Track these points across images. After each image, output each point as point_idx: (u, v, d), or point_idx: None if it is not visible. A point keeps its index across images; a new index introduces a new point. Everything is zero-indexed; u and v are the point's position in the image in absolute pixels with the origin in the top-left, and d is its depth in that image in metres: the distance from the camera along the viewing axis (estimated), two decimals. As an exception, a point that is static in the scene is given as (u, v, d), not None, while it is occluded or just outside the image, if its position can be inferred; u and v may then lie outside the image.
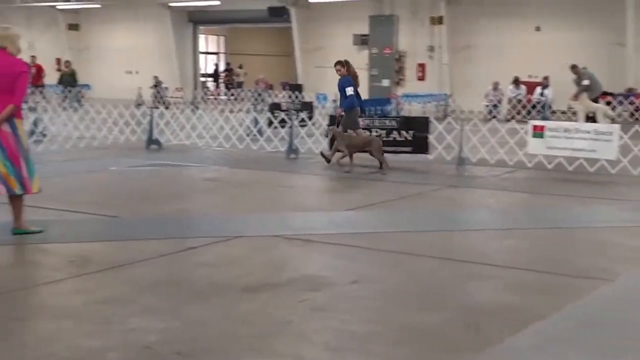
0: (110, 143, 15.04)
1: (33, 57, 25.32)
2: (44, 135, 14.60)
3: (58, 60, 31.79)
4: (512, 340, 4.45)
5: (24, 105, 9.05)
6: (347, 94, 12.17)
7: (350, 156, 12.12)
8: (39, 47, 34.19)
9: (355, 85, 12.45)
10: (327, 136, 12.95)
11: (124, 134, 15.46)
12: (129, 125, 15.64)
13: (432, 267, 6.20)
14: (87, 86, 29.69)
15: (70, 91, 24.24)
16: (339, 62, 12.49)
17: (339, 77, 12.38)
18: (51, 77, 27.37)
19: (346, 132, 12.21)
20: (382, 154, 12.07)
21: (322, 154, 12.70)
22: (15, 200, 6.97)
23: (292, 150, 13.47)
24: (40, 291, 5.31)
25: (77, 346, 4.23)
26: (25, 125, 14.40)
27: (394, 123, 13.09)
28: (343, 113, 12.35)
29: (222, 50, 39.72)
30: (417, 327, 4.67)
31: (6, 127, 6.77)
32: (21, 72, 6.80)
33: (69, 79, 24.99)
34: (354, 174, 11.63)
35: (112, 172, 11.53)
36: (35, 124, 14.89)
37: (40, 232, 7.02)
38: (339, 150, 12.23)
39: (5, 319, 4.70)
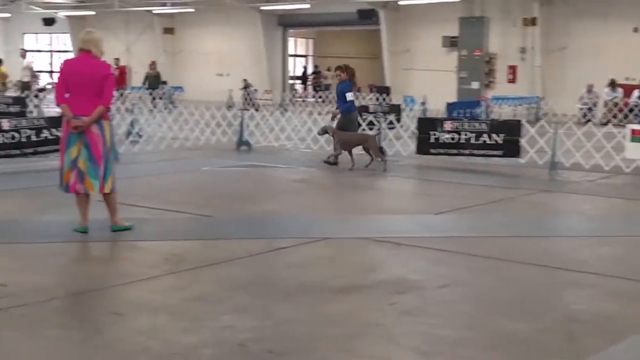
0: (202, 144, 15.40)
1: (117, 59, 26.18)
2: (140, 136, 15.09)
3: (153, 63, 32.70)
4: (610, 351, 4.31)
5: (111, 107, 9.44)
6: (348, 98, 12.59)
7: (350, 153, 12.39)
8: (136, 50, 35.41)
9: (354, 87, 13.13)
10: (320, 134, 13.10)
11: (215, 135, 15.80)
12: (220, 126, 15.98)
13: (525, 273, 6.07)
14: (180, 88, 30.48)
15: (150, 93, 24.81)
16: (339, 67, 13.05)
17: (338, 81, 12.92)
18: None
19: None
20: (379, 150, 12.20)
21: (326, 162, 12.67)
22: (108, 197, 7.22)
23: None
24: (137, 287, 5.48)
25: (172, 341, 4.35)
26: (122, 126, 15.00)
27: (484, 126, 12.88)
28: (339, 115, 12.75)
29: (310, 53, 40.06)
30: (510, 334, 4.59)
31: (95, 128, 7.03)
32: (107, 75, 7.04)
33: (153, 80, 25.61)
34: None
35: (204, 172, 11.80)
36: (132, 124, 15.40)
37: (131, 227, 7.26)
38: (334, 149, 12.51)
39: (105, 313, 4.88)
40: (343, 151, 12.41)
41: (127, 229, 7.24)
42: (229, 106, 23.99)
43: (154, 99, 24.50)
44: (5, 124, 11.46)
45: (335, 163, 12.46)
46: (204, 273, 5.91)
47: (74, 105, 6.96)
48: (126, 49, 35.39)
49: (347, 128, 12.63)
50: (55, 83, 7.24)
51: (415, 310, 5.00)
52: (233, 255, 6.43)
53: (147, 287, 5.48)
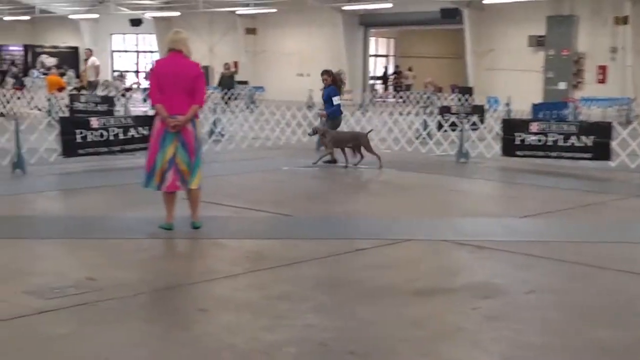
0: (283, 143, 15.55)
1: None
2: (222, 135, 15.36)
3: (235, 64, 33.27)
4: None
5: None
6: (334, 102, 12.92)
7: (343, 151, 12.39)
8: (218, 50, 36.06)
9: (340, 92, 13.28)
10: (310, 134, 13.10)
11: (296, 134, 15.93)
12: (300, 126, 16.10)
13: (618, 281, 5.87)
14: (261, 88, 30.88)
15: (226, 94, 25.09)
16: (325, 72, 13.24)
17: (325, 85, 13.12)
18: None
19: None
20: (371, 148, 12.35)
21: (327, 162, 12.62)
22: (194, 194, 7.35)
23: (462, 154, 13.27)
24: (220, 284, 5.58)
25: (256, 338, 4.41)
26: (205, 125, 15.26)
27: (573, 128, 12.52)
28: (325, 118, 12.95)
29: (391, 52, 39.91)
30: (601, 343, 4.44)
31: (189, 126, 7.21)
32: (199, 74, 7.22)
33: (227, 81, 25.86)
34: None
35: (284, 172, 11.91)
36: (214, 124, 15.70)
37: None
38: (326, 148, 12.52)
39: (189, 309, 4.99)
40: (335, 149, 12.52)
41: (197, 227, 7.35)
42: (309, 106, 24.14)
43: (229, 99, 24.73)
44: (95, 122, 11.86)
45: (334, 161, 12.55)
46: (284, 272, 5.97)
47: (169, 104, 7.11)
48: (209, 50, 36.09)
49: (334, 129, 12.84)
50: (149, 83, 7.43)
51: (500, 316, 4.91)
52: (313, 255, 6.46)
53: (230, 284, 5.58)
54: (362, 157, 12.47)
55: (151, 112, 16.55)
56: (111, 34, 41.37)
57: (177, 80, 7.12)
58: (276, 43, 35.51)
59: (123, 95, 23.64)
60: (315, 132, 12.78)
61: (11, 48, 39.79)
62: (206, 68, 32.90)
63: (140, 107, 22.17)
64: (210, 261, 6.33)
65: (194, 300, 5.18)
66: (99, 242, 6.84)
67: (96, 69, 22.90)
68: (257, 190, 10.10)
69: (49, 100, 20.20)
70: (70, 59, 38.37)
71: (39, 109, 20.82)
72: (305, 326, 4.63)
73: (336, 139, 12.49)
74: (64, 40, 40.95)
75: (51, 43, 40.61)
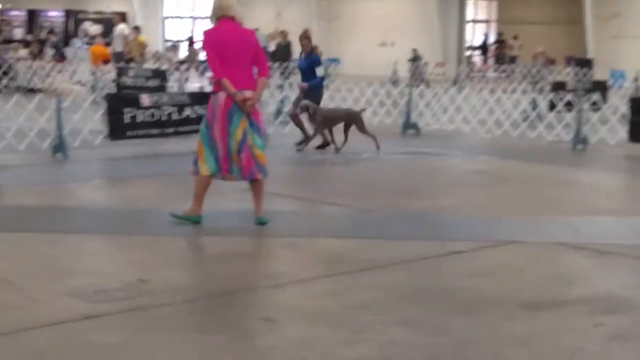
0: (362, 126, 15.54)
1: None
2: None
3: (305, 32, 33.35)
4: None
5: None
6: (318, 73, 12.71)
7: (330, 132, 12.37)
8: (287, 16, 36.27)
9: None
10: (299, 112, 12.70)
11: (377, 116, 15.92)
12: (383, 105, 16.08)
13: None
14: (336, 60, 30.98)
15: (286, 68, 25.10)
16: (305, 37, 13.12)
17: (306, 52, 12.85)
18: (297, 48, 28.90)
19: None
20: (365, 128, 12.45)
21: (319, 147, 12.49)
22: (260, 184, 7.44)
23: (579, 139, 13.01)
24: (289, 290, 5.65)
25: (331, 354, 4.45)
26: (270, 104, 15.40)
27: None
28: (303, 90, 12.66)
29: (493, 18, 39.36)
30: None
31: (257, 104, 7.31)
32: (257, 43, 7.43)
33: (282, 52, 25.80)
34: None
35: (364, 160, 11.93)
36: (282, 102, 15.83)
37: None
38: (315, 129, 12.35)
39: (254, 318, 5.07)
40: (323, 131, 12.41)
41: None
42: (394, 82, 24.08)
43: (282, 72, 24.74)
44: (146, 99, 12.12)
45: (326, 144, 12.45)
46: (365, 277, 5.99)
47: (233, 79, 7.17)
48: (276, 15, 36.37)
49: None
50: (206, 55, 7.45)
51: (628, 335, 4.82)
52: (399, 258, 6.46)
53: (301, 291, 5.63)
54: (346, 139, 12.52)
55: (208, 89, 16.82)
56: (164, -3, 42.14)
57: (239, 50, 7.21)
58: (354, 8, 35.50)
59: (177, 68, 24.08)
60: (303, 109, 12.46)
61: (50, 14, 40.95)
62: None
63: (196, 83, 22.52)
64: (278, 263, 6.41)
65: (259, 308, 5.25)
66: (151, 239, 7.01)
67: (124, 39, 23.33)
68: (332, 181, 10.15)
69: (93, 74, 20.74)
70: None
71: (82, 84, 21.40)
72: (389, 342, 4.64)
73: (327, 118, 12.39)
74: (110, 4, 41.90)
75: (95, 8, 41.61)
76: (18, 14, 41.21)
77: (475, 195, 9.51)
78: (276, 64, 24.97)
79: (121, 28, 23.57)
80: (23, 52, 24.33)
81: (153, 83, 18.81)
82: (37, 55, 24.20)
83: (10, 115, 11.43)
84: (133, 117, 11.95)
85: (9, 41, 30.07)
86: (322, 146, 12.55)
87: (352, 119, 12.53)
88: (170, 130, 12.32)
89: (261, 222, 7.39)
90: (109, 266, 6.22)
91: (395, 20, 33.82)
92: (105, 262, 6.37)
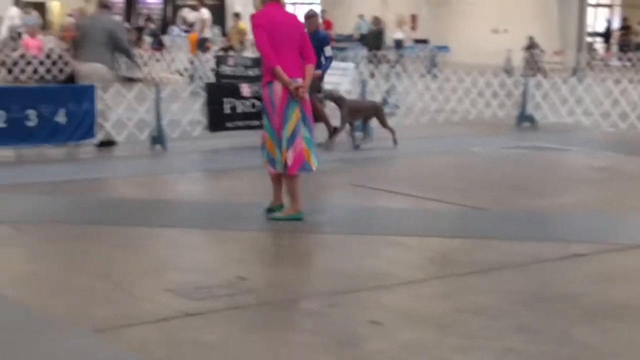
0: (474, 118, 15.39)
1: (323, 12, 26.90)
2: (397, 107, 15.43)
3: (413, 17, 33.24)
4: None
5: None
6: (327, 54, 11.86)
7: (351, 125, 12.09)
8: (393, 2, 36.12)
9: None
10: (321, 100, 12.17)
11: (490, 107, 15.72)
12: (496, 97, 15.86)
13: None
14: (445, 48, 30.68)
15: (375, 55, 24.65)
16: (312, 15, 12.22)
17: (311, 31, 11.16)
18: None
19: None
20: (386, 121, 12.31)
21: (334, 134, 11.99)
22: (295, 181, 7.42)
23: None
24: (397, 292, 5.63)
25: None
26: (376, 94, 15.39)
27: None
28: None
29: (617, 2, 38.26)
30: None
31: (305, 94, 7.31)
32: (303, 27, 7.54)
33: (374, 39, 25.43)
34: None
35: (475, 154, 11.80)
36: (388, 92, 15.79)
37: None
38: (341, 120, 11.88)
39: (360, 320, 5.06)
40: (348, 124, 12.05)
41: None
42: (507, 71, 23.71)
43: (371, 60, 24.38)
44: (246, 89, 12.27)
45: (334, 130, 11.98)
46: (478, 280, 5.93)
47: (283, 65, 7.18)
48: (381, 1, 36.26)
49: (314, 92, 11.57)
50: (258, 40, 7.29)
51: None
52: (515, 261, 6.37)
53: (410, 292, 5.61)
54: (366, 133, 12.46)
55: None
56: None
57: (286, 35, 7.24)
58: (466, -9, 35.04)
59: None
60: (330, 96, 12.12)
61: (149, 0, 41.92)
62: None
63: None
64: (384, 263, 6.39)
65: (365, 310, 5.25)
66: (250, 235, 7.11)
67: (203, 23, 23.46)
68: (440, 176, 10.07)
69: (191, 62, 21.14)
70: (216, 13, 39.85)
71: (181, 74, 21.83)
72: (505, 350, 4.57)
73: (353, 109, 12.10)
74: (210, -10, 42.56)
75: (192, -6, 42.34)
76: (116, 1, 42.30)
77: (597, 194, 9.28)
78: (364, 51, 24.87)
79: (202, 12, 23.82)
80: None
81: (253, 72, 18.99)
82: (135, 43, 24.79)
83: (110, 105, 11.75)
84: (233, 108, 12.12)
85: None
86: (333, 132, 12.08)
87: (375, 112, 12.36)
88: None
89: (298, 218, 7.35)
90: (208, 262, 6.33)
91: (509, 5, 33.25)
92: (204, 258, 6.48)
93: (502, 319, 5.07)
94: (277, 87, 7.19)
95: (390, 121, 14.15)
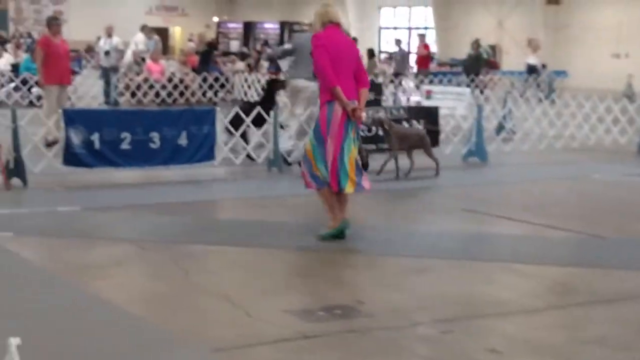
0: (593, 144, 15.05)
1: (421, 36, 26.63)
2: (514, 133, 15.21)
3: (530, 42, 32.72)
4: None
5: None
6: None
7: (395, 159, 11.15)
8: (510, 25, 35.76)
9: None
10: (368, 125, 11.58)
11: (610, 133, 15.34)
12: (617, 123, 15.47)
13: None
14: (563, 73, 30.11)
15: (472, 80, 24.22)
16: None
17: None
18: (519, 59, 28.38)
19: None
20: (431, 151, 11.48)
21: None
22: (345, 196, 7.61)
23: None
24: (515, 320, 5.54)
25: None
26: (492, 120, 15.19)
27: None
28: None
29: None
30: None
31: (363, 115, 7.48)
32: (359, 52, 7.73)
33: (472, 64, 24.94)
34: None
35: (595, 181, 11.53)
36: (504, 118, 15.60)
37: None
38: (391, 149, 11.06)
39: (477, 349, 4.99)
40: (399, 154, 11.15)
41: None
42: (629, 97, 23.08)
43: (468, 85, 23.96)
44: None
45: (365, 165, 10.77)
46: (599, 310, 5.79)
47: (342, 87, 7.32)
48: (498, 24, 35.96)
49: None
50: (319, 60, 7.38)
51: None
52: (636, 291, 6.21)
53: (529, 321, 5.51)
54: (412, 162, 11.47)
55: (426, 102, 16.92)
56: (380, 7, 42.84)
57: (345, 58, 7.41)
58: (585, 15, 34.38)
59: (392, 81, 24.32)
60: (379, 122, 11.40)
61: (266, 25, 42.69)
62: (493, 47, 32.89)
63: (412, 97, 22.68)
64: (501, 290, 6.30)
65: (482, 338, 5.18)
66: (366, 258, 7.11)
67: None
68: (560, 204, 9.88)
69: (307, 86, 21.35)
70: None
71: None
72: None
73: (402, 137, 11.25)
74: (325, 15, 42.99)
75: (310, 19, 42.88)
76: (235, 27, 43.27)
77: None
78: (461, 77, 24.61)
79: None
80: (240, 64, 25.48)
81: (369, 96, 19.08)
82: (253, 67, 25.28)
83: (229, 128, 12.00)
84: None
85: (226, 53, 31.61)
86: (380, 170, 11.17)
87: (422, 140, 11.47)
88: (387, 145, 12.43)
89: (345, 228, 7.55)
90: (324, 285, 6.36)
91: (630, 29, 32.41)
92: (320, 281, 6.52)
93: (624, 350, 4.94)
94: (338, 108, 7.33)
95: (507, 147, 14.00)
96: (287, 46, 13.53)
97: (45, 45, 13.33)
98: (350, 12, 42.33)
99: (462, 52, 32.40)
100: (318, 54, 7.39)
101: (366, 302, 5.77)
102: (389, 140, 11.26)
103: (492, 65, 27.37)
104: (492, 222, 8.75)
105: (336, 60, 7.33)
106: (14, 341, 2.76)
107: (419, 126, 12.51)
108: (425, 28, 40.75)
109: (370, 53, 26.09)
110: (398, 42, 26.73)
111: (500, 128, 15.40)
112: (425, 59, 26.85)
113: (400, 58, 25.59)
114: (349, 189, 7.46)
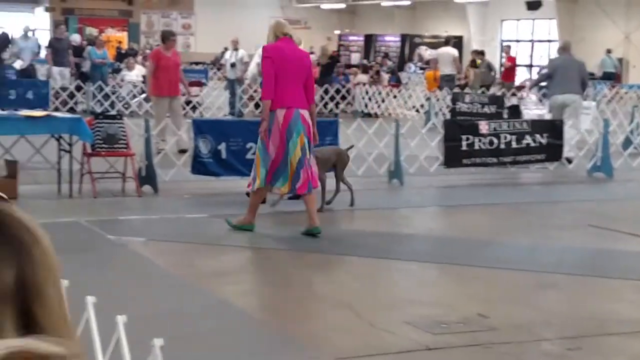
0: None
1: (507, 47, 25.86)
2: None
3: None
4: None
5: None
6: None
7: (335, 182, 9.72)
8: (636, 38, 34.70)
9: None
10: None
11: None
12: None
13: None
14: None
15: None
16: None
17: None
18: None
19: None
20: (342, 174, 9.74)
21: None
22: (312, 198, 7.99)
23: None
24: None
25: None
26: (618, 134, 14.73)
27: None
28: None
29: None
30: None
31: (308, 120, 7.88)
32: (311, 65, 8.11)
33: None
34: None
35: None
36: (632, 132, 15.12)
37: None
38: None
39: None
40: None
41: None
42: None
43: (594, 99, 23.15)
44: (484, 127, 12.20)
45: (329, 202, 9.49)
46: None
47: (289, 96, 7.73)
48: (625, 37, 34.95)
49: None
50: (264, 71, 7.80)
51: None
52: None
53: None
54: (337, 189, 9.71)
55: (548, 116, 16.57)
56: (502, 20, 42.27)
57: (294, 69, 7.73)
58: None
59: (514, 94, 23.95)
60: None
61: (387, 38, 42.75)
62: (620, 60, 32.01)
63: (534, 110, 22.28)
64: (632, 308, 6.12)
65: (610, 357, 5.09)
66: (488, 272, 7.03)
67: (454, 62, 23.39)
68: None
69: (427, 99, 21.29)
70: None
71: (417, 110, 22.03)
72: None
73: (319, 159, 8.94)
74: (447, 28, 42.83)
75: (432, 32, 42.76)
76: (356, 39, 43.50)
77: None
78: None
79: (444, 50, 23.85)
80: (362, 77, 25.59)
81: (489, 109, 18.88)
82: (375, 80, 25.33)
83: (350, 139, 12.05)
84: (470, 145, 12.07)
85: (348, 66, 31.82)
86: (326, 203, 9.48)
87: (341, 161, 9.76)
88: (508, 159, 12.28)
89: (312, 233, 7.76)
90: (446, 297, 6.33)
91: None
92: (442, 293, 6.49)
93: None
94: (280, 115, 7.71)
95: (634, 162, 13.57)
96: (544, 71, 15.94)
97: (156, 57, 13.67)
98: (471, 24, 41.93)
99: (589, 65, 31.64)
100: (263, 64, 7.90)
101: (490, 316, 5.70)
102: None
103: (618, 78, 26.54)
104: (620, 238, 8.50)
105: (284, 71, 7.70)
106: (158, 342, 2.86)
107: (541, 140, 12.29)
108: (549, 41, 39.96)
109: (472, 63, 25.66)
110: (480, 52, 26.41)
111: (627, 143, 14.94)
112: (510, 71, 26.45)
113: (485, 69, 25.24)
114: (284, 189, 7.98)
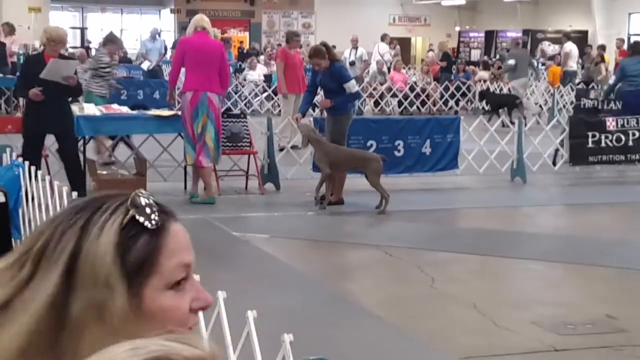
0: None
1: (619, 42, 24.64)
2: None
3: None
4: None
5: None
6: (352, 89, 9.23)
7: (332, 180, 9.03)
8: None
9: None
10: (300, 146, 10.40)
11: None
12: None
13: None
14: None
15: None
16: (317, 53, 9.25)
17: (320, 70, 9.29)
18: None
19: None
20: (379, 182, 8.82)
21: (319, 198, 9.10)
22: (206, 170, 9.03)
23: None
24: None
25: None
26: None
27: None
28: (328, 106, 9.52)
29: None
30: None
31: (217, 102, 8.94)
32: (223, 55, 9.22)
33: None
34: None
35: None
36: None
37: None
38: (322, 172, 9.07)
39: None
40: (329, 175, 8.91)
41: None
42: None
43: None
44: (611, 123, 11.85)
45: (322, 198, 9.04)
46: None
47: (201, 80, 8.84)
48: None
49: (338, 138, 9.21)
50: (174, 59, 9.59)
51: None
52: None
53: None
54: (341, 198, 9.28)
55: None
56: (629, 14, 40.96)
57: (207, 58, 8.80)
58: None
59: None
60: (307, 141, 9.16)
61: (509, 34, 42.02)
62: None
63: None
64: None
65: None
66: (616, 272, 6.84)
67: (566, 56, 22.66)
68: None
69: (552, 95, 20.84)
70: (577, 45, 38.92)
71: (541, 107, 21.59)
72: None
73: (334, 159, 8.82)
74: (572, 22, 41.81)
75: (556, 27, 41.82)
76: (476, 36, 42.98)
77: None
78: None
79: (571, 46, 23.21)
80: (483, 74, 25.23)
81: (615, 106, 18.31)
82: (498, 76, 24.94)
83: (472, 137, 11.91)
84: (597, 142, 11.75)
85: (468, 63, 31.48)
86: (321, 199, 9.10)
87: (366, 166, 8.94)
88: (637, 156, 11.89)
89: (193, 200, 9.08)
90: (573, 297, 6.18)
91: None
92: (569, 293, 6.34)
93: None
94: (188, 97, 8.85)
95: None
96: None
97: (283, 56, 13.95)
98: (597, 18, 40.78)
99: None
100: (175, 54, 9.45)
101: (619, 317, 5.53)
102: (318, 159, 9.12)
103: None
104: None
105: (198, 60, 8.79)
106: (287, 337, 2.89)
107: None
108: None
109: (602, 58, 24.86)
110: (601, 47, 25.41)
111: None
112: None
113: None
114: (189, 160, 9.09)
